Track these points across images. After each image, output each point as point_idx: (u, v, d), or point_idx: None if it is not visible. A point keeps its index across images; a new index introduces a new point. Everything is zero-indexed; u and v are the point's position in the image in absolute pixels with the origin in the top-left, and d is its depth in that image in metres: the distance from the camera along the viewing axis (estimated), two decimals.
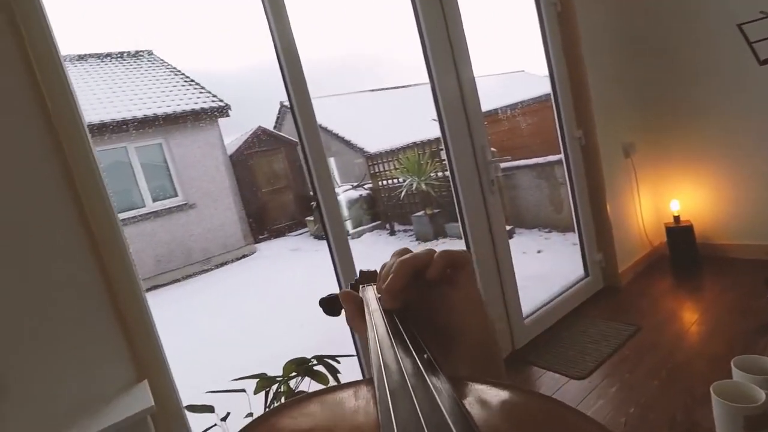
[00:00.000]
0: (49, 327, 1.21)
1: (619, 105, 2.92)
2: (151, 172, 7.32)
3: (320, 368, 1.41)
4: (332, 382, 1.37)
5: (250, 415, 1.36)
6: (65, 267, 1.23)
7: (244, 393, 1.34)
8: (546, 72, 2.72)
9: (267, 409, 1.34)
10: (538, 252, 4.64)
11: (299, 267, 6.32)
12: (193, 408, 1.34)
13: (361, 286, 0.37)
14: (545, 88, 2.80)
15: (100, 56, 8.15)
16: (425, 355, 0.23)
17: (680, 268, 2.89)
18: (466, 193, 2.15)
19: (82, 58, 7.94)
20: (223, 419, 1.35)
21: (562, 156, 2.83)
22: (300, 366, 1.38)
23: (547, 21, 2.54)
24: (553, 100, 2.73)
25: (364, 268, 0.41)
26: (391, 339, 0.25)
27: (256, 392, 1.37)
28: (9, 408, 1.14)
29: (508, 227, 5.19)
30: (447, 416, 0.17)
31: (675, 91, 2.90)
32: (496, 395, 0.21)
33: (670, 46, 2.83)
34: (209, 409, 1.33)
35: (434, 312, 0.30)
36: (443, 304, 0.30)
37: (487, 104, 4.87)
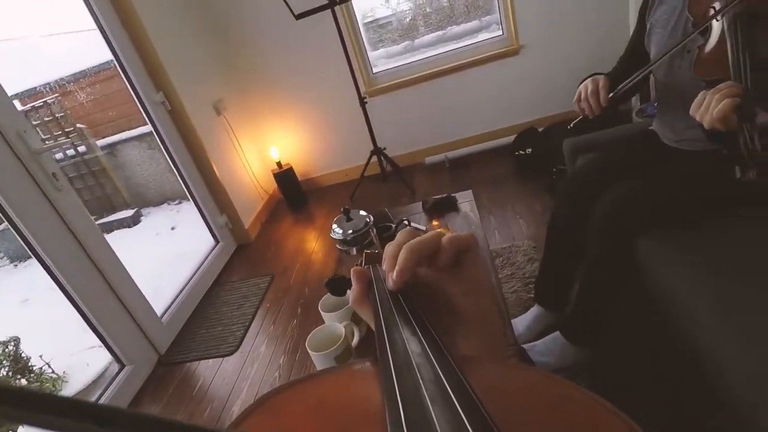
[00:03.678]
0: None
1: (201, 64, 2.82)
2: None
3: None
4: None
5: None
6: None
7: None
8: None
9: None
10: (173, 229, 4.30)
11: None
12: None
13: (366, 267, 0.37)
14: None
15: None
16: (429, 334, 0.24)
17: (293, 207, 3.27)
18: (18, 205, 1.57)
19: None
20: None
21: (150, 127, 2.53)
22: None
23: None
24: (119, 67, 2.32)
25: (369, 250, 0.40)
26: (396, 318, 0.27)
27: None
28: None
29: (130, 212, 4.54)
30: (450, 391, 0.17)
31: (248, 49, 3.03)
32: (499, 374, 0.23)
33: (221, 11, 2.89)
34: None
35: (438, 291, 0.32)
36: (447, 284, 0.31)
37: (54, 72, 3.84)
